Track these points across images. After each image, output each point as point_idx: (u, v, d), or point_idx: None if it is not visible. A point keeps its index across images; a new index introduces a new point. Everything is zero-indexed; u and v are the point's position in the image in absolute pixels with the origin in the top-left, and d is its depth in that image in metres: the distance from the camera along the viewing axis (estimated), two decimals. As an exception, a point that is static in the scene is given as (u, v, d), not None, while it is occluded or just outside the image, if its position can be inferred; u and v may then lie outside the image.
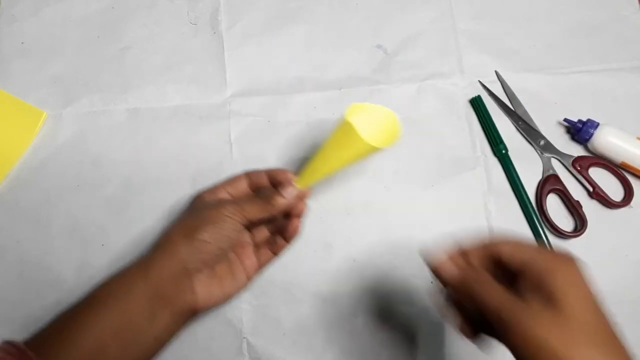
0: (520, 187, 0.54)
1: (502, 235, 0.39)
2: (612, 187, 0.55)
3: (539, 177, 0.55)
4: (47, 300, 0.51)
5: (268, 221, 0.49)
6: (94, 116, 0.56)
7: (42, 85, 0.57)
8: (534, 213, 0.54)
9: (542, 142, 0.56)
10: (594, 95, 0.58)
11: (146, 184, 0.54)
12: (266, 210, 0.46)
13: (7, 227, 0.53)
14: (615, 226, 0.54)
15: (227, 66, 0.58)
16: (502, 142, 0.55)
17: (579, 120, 0.55)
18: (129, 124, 0.56)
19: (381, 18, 0.60)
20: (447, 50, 0.59)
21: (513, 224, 0.54)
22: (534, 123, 0.57)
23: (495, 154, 0.56)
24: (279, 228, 0.49)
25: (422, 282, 0.52)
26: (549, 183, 0.54)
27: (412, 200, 0.54)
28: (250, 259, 0.48)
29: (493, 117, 0.56)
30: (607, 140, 0.54)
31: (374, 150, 0.45)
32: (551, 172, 0.55)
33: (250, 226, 0.47)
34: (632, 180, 0.55)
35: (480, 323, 0.38)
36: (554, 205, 0.55)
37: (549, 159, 0.56)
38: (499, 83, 0.58)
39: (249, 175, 0.49)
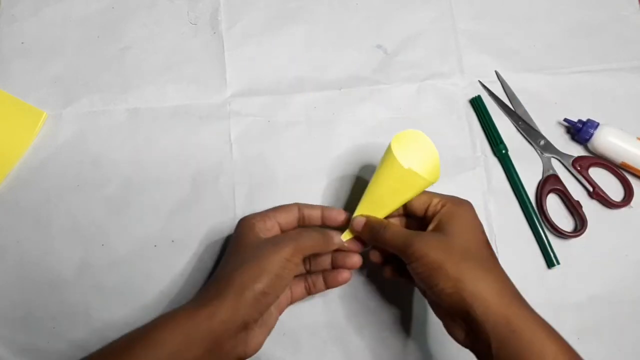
0: (520, 187, 0.54)
1: None
2: (612, 187, 0.55)
3: (539, 177, 0.55)
4: (47, 300, 0.51)
5: (313, 262, 0.48)
6: (94, 116, 0.56)
7: (42, 85, 0.57)
8: (534, 213, 0.54)
9: (542, 142, 0.56)
10: (594, 95, 0.58)
11: (146, 184, 0.54)
12: (323, 247, 0.45)
13: (7, 227, 0.53)
14: (615, 226, 0.54)
15: (227, 66, 0.58)
16: (502, 142, 0.55)
17: (579, 120, 0.55)
18: (129, 124, 0.56)
19: (381, 18, 0.60)
20: (447, 50, 0.59)
21: (513, 224, 0.54)
22: (534, 123, 0.57)
23: (495, 154, 0.56)
24: (325, 270, 0.48)
25: (422, 282, 0.52)
26: (549, 183, 0.54)
27: (412, 200, 0.54)
28: (287, 296, 0.47)
29: (493, 117, 0.56)
30: (607, 140, 0.54)
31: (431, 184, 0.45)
32: (551, 172, 0.55)
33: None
34: (632, 180, 0.55)
35: (398, 267, 0.46)
36: (554, 205, 0.55)
37: (549, 159, 0.56)
38: (499, 83, 0.58)
39: (301, 207, 0.47)
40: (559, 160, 0.56)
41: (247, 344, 0.43)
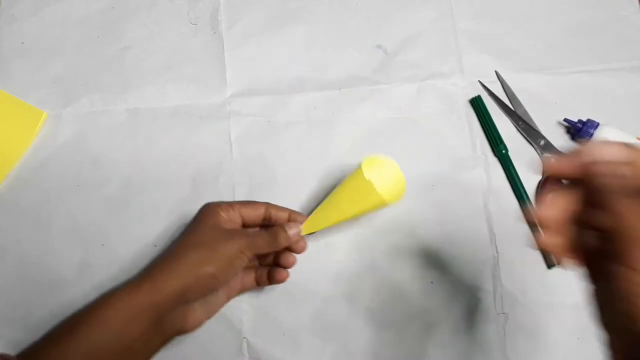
0: (520, 187, 0.54)
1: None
2: (612, 187, 0.55)
3: (539, 177, 0.55)
4: (47, 300, 0.51)
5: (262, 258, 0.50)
6: (94, 116, 0.56)
7: (42, 85, 0.57)
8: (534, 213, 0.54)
9: (542, 142, 0.56)
10: (594, 95, 0.58)
11: (146, 184, 0.54)
12: (272, 247, 0.46)
13: (7, 227, 0.53)
14: (615, 226, 0.54)
15: (227, 66, 0.58)
16: (502, 142, 0.55)
17: (579, 120, 0.55)
18: (129, 124, 0.56)
19: (381, 18, 0.60)
20: (447, 50, 0.59)
21: (513, 224, 0.54)
22: (534, 123, 0.57)
23: (495, 154, 0.56)
24: (269, 266, 0.49)
25: (421, 282, 0.52)
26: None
27: (412, 200, 0.54)
28: (237, 284, 0.49)
29: (493, 117, 0.56)
30: (607, 140, 0.54)
31: (386, 205, 0.47)
32: (551, 172, 0.55)
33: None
34: (632, 180, 0.55)
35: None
36: (554, 205, 0.55)
37: (549, 159, 0.56)
38: (499, 83, 0.58)
39: (269, 206, 0.49)
40: (559, 160, 0.56)
41: (186, 319, 0.44)
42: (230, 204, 0.47)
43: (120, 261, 0.52)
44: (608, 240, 0.29)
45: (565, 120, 0.56)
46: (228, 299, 0.48)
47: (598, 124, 0.54)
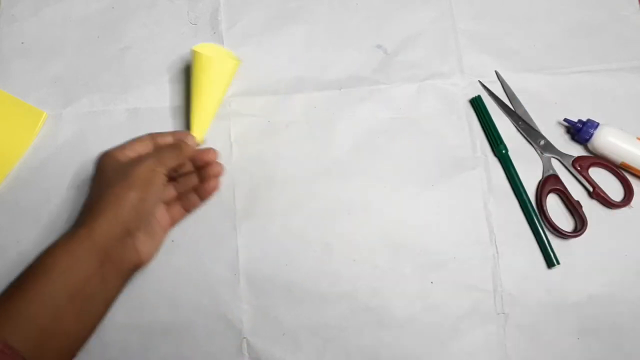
0: (520, 187, 0.54)
1: None
2: (612, 187, 0.55)
3: (539, 177, 0.55)
4: (47, 300, 0.51)
5: (182, 182, 0.52)
6: (94, 116, 0.56)
7: (42, 85, 0.57)
8: (534, 213, 0.54)
9: (542, 142, 0.56)
10: (594, 95, 0.58)
11: (146, 184, 0.54)
12: (180, 156, 0.49)
13: (7, 227, 0.53)
14: (615, 226, 0.54)
15: (227, 66, 0.58)
16: (502, 142, 0.55)
17: (579, 120, 0.55)
18: (129, 124, 0.56)
19: (381, 18, 0.60)
20: (447, 50, 0.59)
21: (513, 224, 0.54)
22: (534, 123, 0.57)
23: (495, 154, 0.56)
24: (195, 187, 0.51)
25: (422, 282, 0.52)
26: (549, 183, 0.54)
27: (412, 200, 0.54)
28: (165, 215, 0.50)
29: (493, 117, 0.56)
30: (607, 140, 0.54)
31: (225, 66, 0.53)
32: (551, 172, 0.55)
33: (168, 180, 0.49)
34: (632, 180, 0.55)
35: None
36: (554, 205, 0.55)
37: (549, 159, 0.56)
38: (499, 83, 0.58)
39: (153, 136, 0.51)
40: (559, 160, 0.56)
41: (138, 251, 0.46)
42: (122, 146, 0.49)
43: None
44: None
45: (565, 120, 0.56)
46: (164, 231, 0.50)
47: (598, 124, 0.54)
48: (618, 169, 0.55)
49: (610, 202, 0.54)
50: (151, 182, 0.45)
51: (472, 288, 0.53)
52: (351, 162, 0.55)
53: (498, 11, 0.60)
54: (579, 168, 0.55)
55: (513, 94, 0.58)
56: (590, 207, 0.54)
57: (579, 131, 0.55)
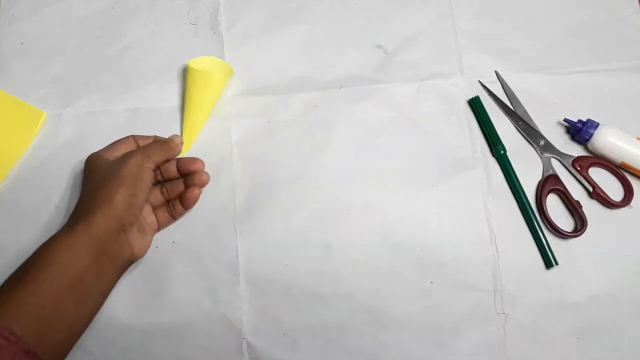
0: (519, 188, 0.54)
1: None
2: (612, 187, 0.55)
3: (539, 177, 0.55)
4: (47, 300, 0.51)
5: (169, 187, 0.53)
6: (94, 116, 0.56)
7: (42, 85, 0.57)
8: (532, 214, 0.54)
9: (542, 142, 0.56)
10: (594, 95, 0.58)
11: (146, 184, 0.54)
12: (167, 150, 0.51)
13: (7, 227, 0.53)
14: (615, 226, 0.54)
15: (227, 66, 0.58)
16: (500, 142, 0.55)
17: (579, 120, 0.55)
18: (129, 124, 0.56)
19: (381, 18, 0.60)
20: (447, 50, 0.59)
21: (513, 225, 0.54)
22: (533, 123, 0.57)
23: (493, 154, 0.56)
24: (180, 195, 0.53)
25: (421, 282, 0.52)
26: (549, 183, 0.54)
27: (412, 200, 0.54)
28: (153, 221, 0.52)
29: (493, 117, 0.56)
30: (607, 140, 0.54)
31: (216, 80, 0.55)
32: (551, 172, 0.55)
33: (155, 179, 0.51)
34: (632, 180, 0.55)
35: None
36: (554, 205, 0.55)
37: (549, 159, 0.56)
38: (499, 83, 0.58)
39: (135, 137, 0.53)
40: (559, 160, 0.56)
41: (132, 245, 0.48)
42: (107, 148, 0.52)
43: (120, 261, 0.52)
44: None
45: (565, 120, 0.56)
46: (152, 232, 0.51)
47: (598, 124, 0.54)
48: (618, 169, 0.55)
49: (610, 202, 0.54)
50: (140, 177, 0.47)
51: (472, 288, 0.53)
52: (351, 161, 0.55)
53: (498, 11, 0.60)
54: (578, 168, 0.55)
55: (513, 94, 0.58)
56: (590, 207, 0.54)
57: (579, 131, 0.55)
